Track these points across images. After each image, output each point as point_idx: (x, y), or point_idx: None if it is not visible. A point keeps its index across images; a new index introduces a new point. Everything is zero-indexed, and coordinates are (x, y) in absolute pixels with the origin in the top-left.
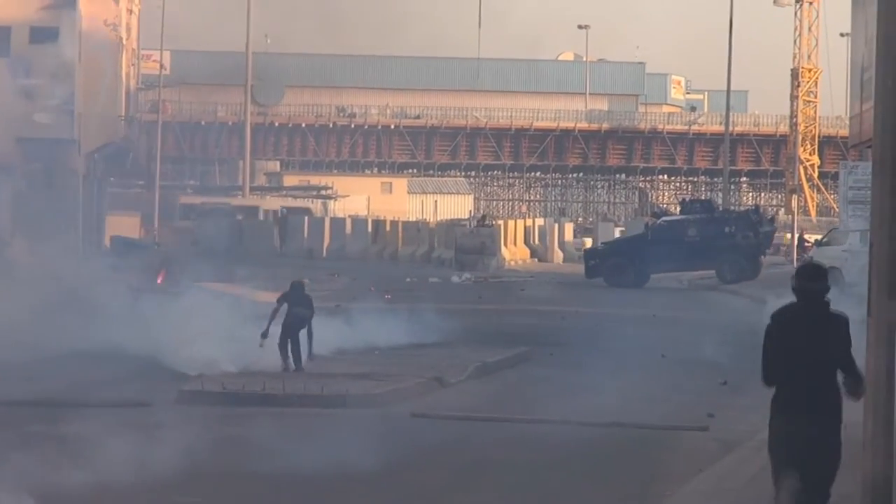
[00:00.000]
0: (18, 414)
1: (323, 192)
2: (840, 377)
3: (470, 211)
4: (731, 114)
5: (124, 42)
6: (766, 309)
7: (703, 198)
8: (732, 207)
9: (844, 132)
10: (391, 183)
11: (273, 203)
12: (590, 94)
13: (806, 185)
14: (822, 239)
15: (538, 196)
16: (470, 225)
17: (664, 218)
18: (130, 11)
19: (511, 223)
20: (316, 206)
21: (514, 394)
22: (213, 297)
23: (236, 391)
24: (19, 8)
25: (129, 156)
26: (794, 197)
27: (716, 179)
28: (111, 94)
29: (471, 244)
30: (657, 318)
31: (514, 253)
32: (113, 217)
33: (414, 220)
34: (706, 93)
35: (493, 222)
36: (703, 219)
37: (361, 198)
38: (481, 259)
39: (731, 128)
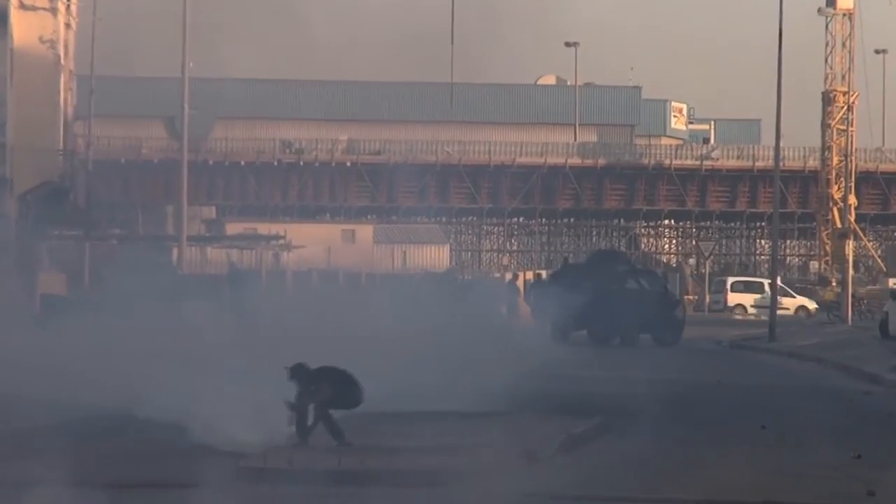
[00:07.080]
0: None
1: (274, 243)
2: None
3: (449, 263)
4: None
5: (62, 62)
6: None
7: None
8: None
9: (886, 167)
10: (354, 231)
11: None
12: (579, 124)
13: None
14: None
15: (522, 245)
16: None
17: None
18: (68, 26)
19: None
20: (267, 258)
21: (618, 469)
22: None
23: (305, 468)
24: None
25: (68, 198)
26: (848, 242)
27: (731, 224)
28: (48, 124)
29: None
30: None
31: None
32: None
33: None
34: (713, 122)
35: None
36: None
37: (320, 248)
38: None
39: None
